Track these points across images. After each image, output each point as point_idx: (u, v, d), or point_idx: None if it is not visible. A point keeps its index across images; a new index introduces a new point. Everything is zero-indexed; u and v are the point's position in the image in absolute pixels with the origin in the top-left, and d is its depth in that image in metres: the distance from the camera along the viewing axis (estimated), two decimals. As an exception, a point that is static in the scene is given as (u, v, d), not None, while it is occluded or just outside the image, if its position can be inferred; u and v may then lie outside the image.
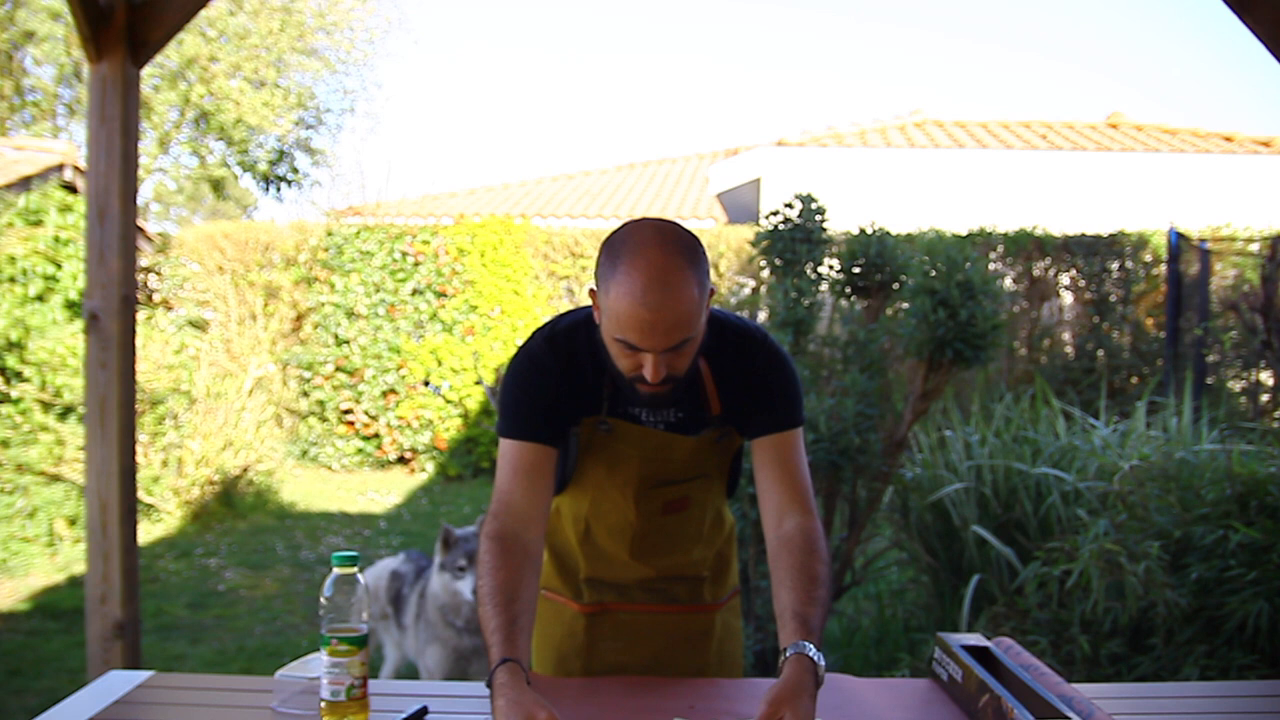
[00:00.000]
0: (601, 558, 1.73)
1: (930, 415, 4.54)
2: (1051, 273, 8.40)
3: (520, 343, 1.64)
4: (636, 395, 1.50)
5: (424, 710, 1.45)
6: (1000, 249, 8.26)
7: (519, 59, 49.10)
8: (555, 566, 1.80)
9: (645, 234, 1.40)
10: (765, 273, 5.05)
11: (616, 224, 1.59)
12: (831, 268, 4.11)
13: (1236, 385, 7.10)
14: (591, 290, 1.49)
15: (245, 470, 7.14)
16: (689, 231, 1.44)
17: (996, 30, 49.40)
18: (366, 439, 9.08)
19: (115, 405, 2.54)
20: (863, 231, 3.99)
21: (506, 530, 1.50)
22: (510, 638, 1.37)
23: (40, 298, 6.19)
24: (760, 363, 1.60)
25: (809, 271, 4.03)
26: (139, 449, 3.89)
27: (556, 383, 1.57)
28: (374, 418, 9.02)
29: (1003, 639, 1.65)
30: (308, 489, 8.00)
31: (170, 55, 12.65)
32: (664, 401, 1.54)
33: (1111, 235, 8.29)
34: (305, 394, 9.17)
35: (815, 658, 1.33)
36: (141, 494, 6.20)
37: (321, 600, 1.38)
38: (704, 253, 1.44)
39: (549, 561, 1.80)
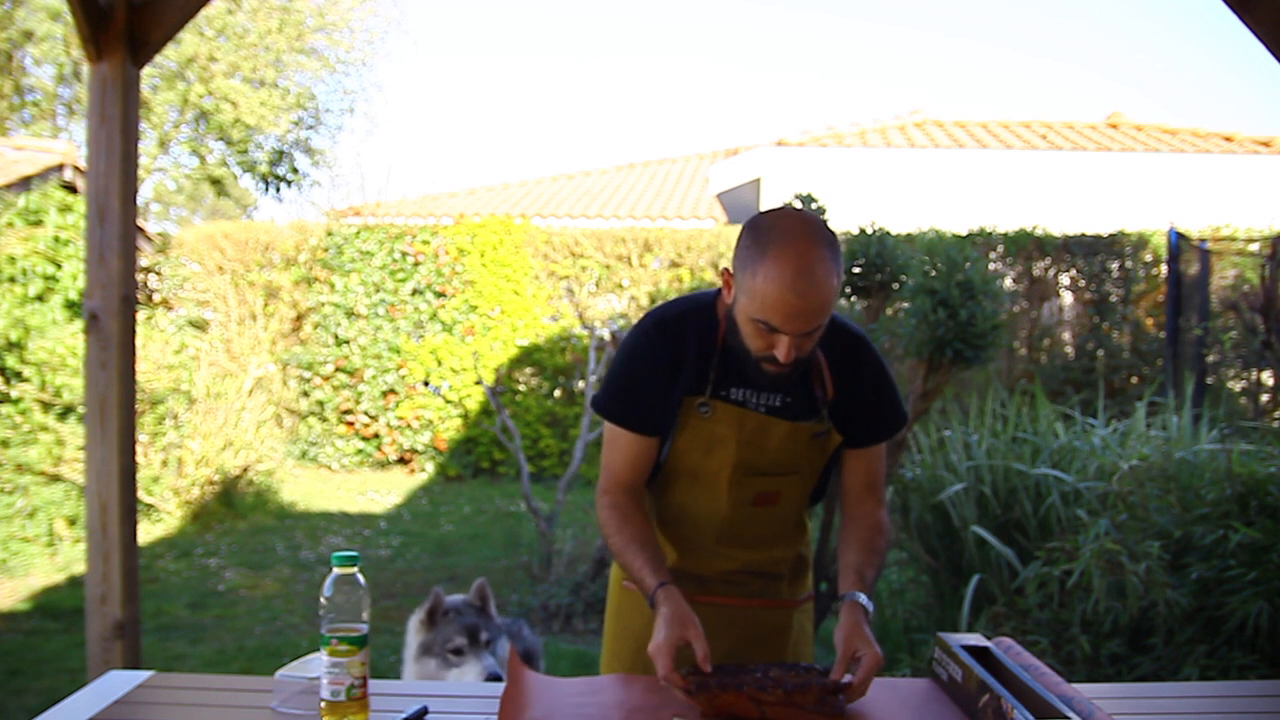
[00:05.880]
0: (687, 544, 1.78)
1: (930, 415, 4.54)
2: (1051, 273, 8.40)
3: (628, 328, 1.70)
4: (742, 375, 1.63)
5: (424, 710, 1.45)
6: (1000, 249, 8.25)
7: (519, 59, 49.10)
8: None
9: (793, 223, 1.51)
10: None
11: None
12: (831, 267, 4.10)
13: (1236, 385, 7.10)
14: (726, 270, 1.59)
15: (245, 470, 7.14)
16: (827, 224, 1.54)
17: (996, 30, 49.36)
18: (366, 439, 9.08)
19: (115, 405, 2.54)
20: (863, 231, 3.99)
21: (622, 501, 1.70)
22: (661, 567, 1.59)
23: (40, 298, 6.19)
24: (869, 372, 1.73)
25: (809, 271, 4.01)
26: (139, 449, 3.89)
27: (667, 369, 1.66)
28: (374, 418, 9.02)
29: (1003, 639, 1.65)
30: (308, 489, 8.00)
31: (170, 55, 12.64)
32: (779, 384, 1.62)
33: (1111, 235, 8.28)
34: (305, 394, 9.17)
35: (865, 603, 1.57)
36: (141, 494, 6.20)
37: (321, 600, 1.38)
38: (839, 245, 1.54)
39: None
